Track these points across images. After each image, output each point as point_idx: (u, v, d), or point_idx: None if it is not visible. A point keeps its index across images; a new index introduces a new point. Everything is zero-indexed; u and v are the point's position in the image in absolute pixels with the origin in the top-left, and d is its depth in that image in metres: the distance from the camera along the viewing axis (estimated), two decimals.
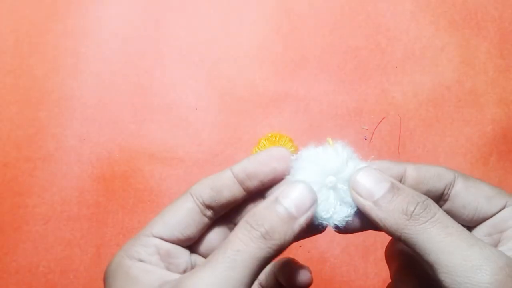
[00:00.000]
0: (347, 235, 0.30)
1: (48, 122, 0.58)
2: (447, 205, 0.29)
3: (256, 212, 0.27)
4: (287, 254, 0.29)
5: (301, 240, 0.29)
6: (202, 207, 0.29)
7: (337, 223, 0.29)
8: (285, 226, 0.27)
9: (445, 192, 0.29)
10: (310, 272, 0.33)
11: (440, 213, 0.26)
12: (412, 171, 0.29)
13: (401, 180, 0.29)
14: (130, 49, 0.59)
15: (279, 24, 0.60)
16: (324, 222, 0.29)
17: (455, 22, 0.60)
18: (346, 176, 0.29)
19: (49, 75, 0.58)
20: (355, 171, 0.28)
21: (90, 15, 0.60)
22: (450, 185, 0.29)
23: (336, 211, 0.29)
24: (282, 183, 0.29)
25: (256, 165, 0.29)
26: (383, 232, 0.28)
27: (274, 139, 0.57)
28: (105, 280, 0.28)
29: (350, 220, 0.29)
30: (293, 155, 0.29)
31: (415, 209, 0.26)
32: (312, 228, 0.29)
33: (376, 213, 0.27)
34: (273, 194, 0.28)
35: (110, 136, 0.58)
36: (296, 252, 0.54)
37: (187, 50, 0.59)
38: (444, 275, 0.25)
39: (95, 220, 0.56)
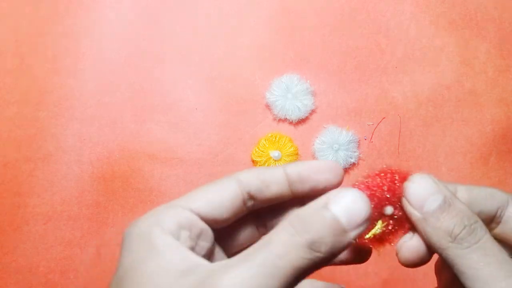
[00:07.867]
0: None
1: (48, 122, 0.58)
2: (499, 228, 0.29)
3: (303, 216, 0.24)
4: None
5: None
6: (246, 196, 0.28)
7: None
8: (333, 239, 0.24)
9: (498, 214, 0.28)
10: None
11: (485, 238, 0.25)
12: (463, 193, 0.28)
13: None
14: (130, 49, 0.59)
15: (279, 24, 0.60)
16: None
17: (454, 22, 0.60)
18: None
19: (49, 75, 0.58)
20: (411, 176, 0.28)
21: (90, 15, 0.59)
22: (503, 207, 0.28)
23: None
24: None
25: (312, 170, 0.28)
26: None
27: (274, 139, 0.57)
28: (123, 241, 0.26)
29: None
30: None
31: (460, 232, 0.25)
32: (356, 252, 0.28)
33: (422, 225, 0.27)
34: (323, 197, 0.25)
35: (110, 136, 0.58)
36: None
37: (187, 50, 0.59)
38: None
39: (95, 220, 0.56)
